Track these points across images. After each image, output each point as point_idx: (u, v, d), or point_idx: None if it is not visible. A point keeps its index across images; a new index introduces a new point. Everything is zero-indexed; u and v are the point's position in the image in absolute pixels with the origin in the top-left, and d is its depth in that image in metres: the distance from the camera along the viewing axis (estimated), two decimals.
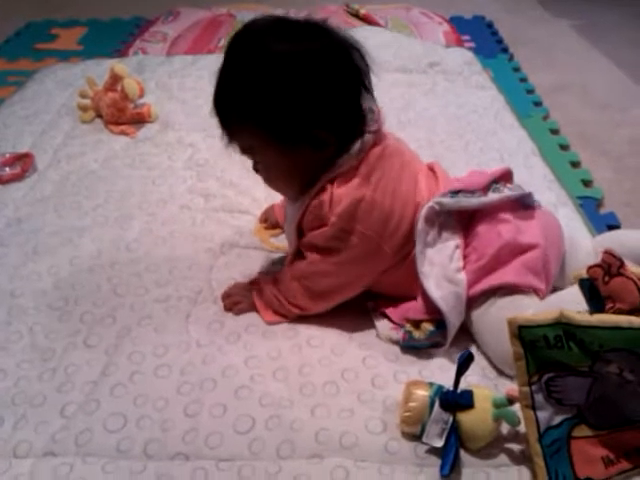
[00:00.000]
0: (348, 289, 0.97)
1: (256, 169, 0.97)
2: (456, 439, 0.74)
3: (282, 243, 1.15)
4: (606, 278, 0.72)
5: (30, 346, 0.95)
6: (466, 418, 0.75)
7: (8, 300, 1.04)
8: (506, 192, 0.97)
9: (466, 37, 2.29)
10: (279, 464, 0.76)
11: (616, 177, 1.49)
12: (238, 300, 1.02)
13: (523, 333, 0.69)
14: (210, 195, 1.31)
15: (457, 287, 0.91)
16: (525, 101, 1.81)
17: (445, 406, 0.75)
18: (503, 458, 0.77)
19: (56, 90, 1.81)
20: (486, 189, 0.98)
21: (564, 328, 0.68)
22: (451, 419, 0.74)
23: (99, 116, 1.65)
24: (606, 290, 0.72)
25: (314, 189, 0.92)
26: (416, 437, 0.78)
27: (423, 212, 0.93)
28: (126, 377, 0.89)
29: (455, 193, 0.96)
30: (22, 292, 1.06)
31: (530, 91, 1.88)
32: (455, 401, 0.75)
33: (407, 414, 0.77)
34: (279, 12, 2.48)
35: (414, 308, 0.94)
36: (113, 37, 2.36)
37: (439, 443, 0.74)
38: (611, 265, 0.72)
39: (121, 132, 1.58)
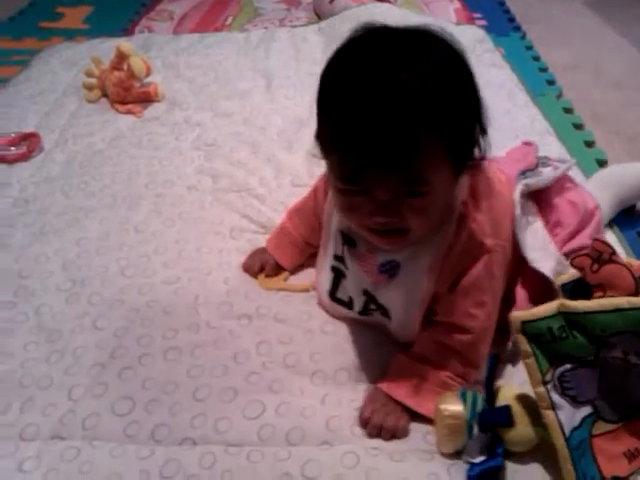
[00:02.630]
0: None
1: (395, 212, 0.71)
2: (502, 451, 0.70)
3: (300, 281, 1.02)
4: (595, 266, 0.70)
5: (37, 327, 0.94)
6: (506, 435, 0.71)
7: (15, 281, 1.03)
8: (556, 164, 0.97)
9: (477, 15, 2.24)
10: (288, 450, 0.75)
11: (630, 157, 1.45)
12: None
13: (527, 328, 0.67)
14: (218, 175, 1.29)
15: (562, 265, 0.86)
16: (538, 79, 1.77)
17: (484, 428, 0.71)
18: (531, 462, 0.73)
19: (61, 69, 1.78)
20: (538, 164, 0.97)
21: (566, 317, 0.66)
22: (492, 434, 0.71)
23: (105, 95, 1.62)
24: (595, 279, 0.69)
25: (452, 220, 0.77)
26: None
27: (517, 197, 0.87)
28: (135, 360, 0.88)
29: (523, 174, 0.93)
30: (29, 273, 1.05)
31: (543, 69, 1.85)
32: (494, 422, 0.71)
33: (444, 440, 0.73)
34: None
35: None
36: (119, 16, 2.32)
37: (480, 459, 0.71)
38: (602, 252, 0.70)
39: (127, 111, 1.56)
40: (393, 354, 0.85)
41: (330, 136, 0.69)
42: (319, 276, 0.94)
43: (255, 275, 1.03)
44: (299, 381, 0.83)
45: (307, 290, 0.99)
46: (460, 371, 0.79)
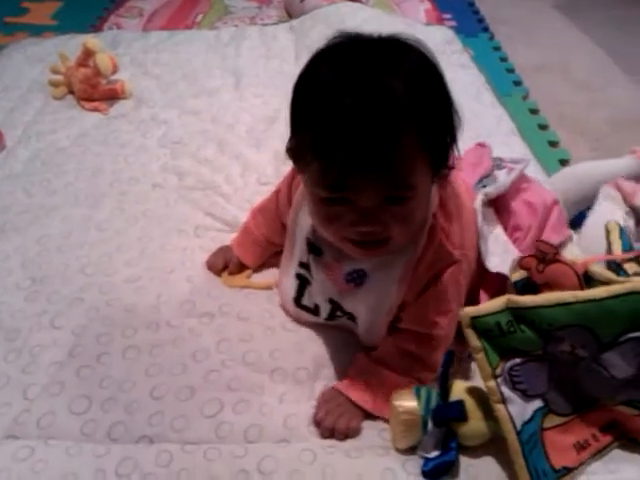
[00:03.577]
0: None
1: (378, 222, 0.70)
2: (456, 446, 0.71)
3: (264, 279, 1.01)
4: (540, 266, 0.72)
5: None
6: (460, 430, 0.72)
7: None
8: (511, 165, 0.99)
9: (447, 15, 2.26)
10: (245, 447, 0.75)
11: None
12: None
13: (476, 323, 0.68)
14: (184, 173, 1.28)
15: None
16: (505, 80, 1.80)
17: (438, 423, 0.72)
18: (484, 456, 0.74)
19: (27, 65, 1.75)
20: (493, 167, 0.99)
21: (514, 312, 0.68)
22: (446, 429, 0.72)
23: (71, 92, 1.60)
24: (542, 278, 0.71)
25: (424, 230, 0.77)
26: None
27: (478, 207, 0.88)
28: (93, 359, 0.87)
29: (480, 181, 0.94)
30: None
31: (510, 70, 1.87)
32: (448, 417, 0.72)
33: (400, 436, 0.73)
34: None
35: None
36: (88, 12, 2.29)
37: (434, 454, 0.71)
38: (546, 252, 0.71)
39: (94, 109, 1.54)
40: (355, 355, 0.86)
41: (312, 143, 0.67)
42: (283, 281, 0.93)
43: (218, 273, 1.02)
44: (258, 379, 0.83)
45: (270, 287, 0.98)
46: (419, 376, 0.80)
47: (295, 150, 0.74)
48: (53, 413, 0.79)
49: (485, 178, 0.96)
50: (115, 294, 0.98)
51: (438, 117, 0.68)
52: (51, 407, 0.80)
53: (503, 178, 0.96)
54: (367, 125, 0.63)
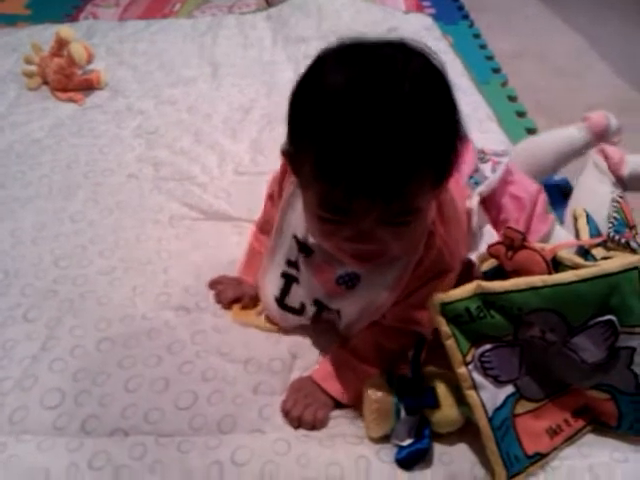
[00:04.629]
0: None
1: (370, 239, 0.66)
2: (429, 433, 0.71)
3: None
4: (509, 253, 0.72)
5: None
6: (433, 417, 0.72)
7: None
8: (495, 158, 0.98)
9: (427, 3, 2.25)
10: (220, 438, 0.74)
11: None
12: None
13: (446, 310, 0.68)
14: (159, 164, 1.27)
15: None
16: (484, 68, 1.79)
17: (411, 411, 0.71)
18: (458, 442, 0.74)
19: (0, 56, 1.73)
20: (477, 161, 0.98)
21: (483, 298, 0.67)
22: (419, 417, 0.72)
23: (46, 83, 1.58)
24: (511, 265, 0.71)
25: (422, 238, 0.74)
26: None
27: (475, 207, 0.88)
28: (67, 352, 0.86)
29: (470, 178, 0.93)
30: None
31: (489, 58, 1.87)
32: (420, 404, 0.72)
33: (373, 424, 0.73)
34: None
35: None
36: (63, 1, 2.26)
37: (408, 442, 0.71)
38: (514, 239, 0.71)
39: (68, 99, 1.53)
40: (331, 346, 0.85)
41: (315, 162, 0.62)
42: (264, 280, 0.88)
43: (227, 305, 0.93)
44: (232, 369, 0.83)
45: (277, 330, 0.89)
46: (391, 366, 0.79)
47: (293, 158, 0.70)
48: (26, 408, 0.78)
49: (474, 174, 0.95)
50: (89, 286, 0.97)
51: (446, 134, 0.64)
52: (24, 402, 0.79)
53: (492, 174, 0.95)
54: (378, 152, 0.59)
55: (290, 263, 0.84)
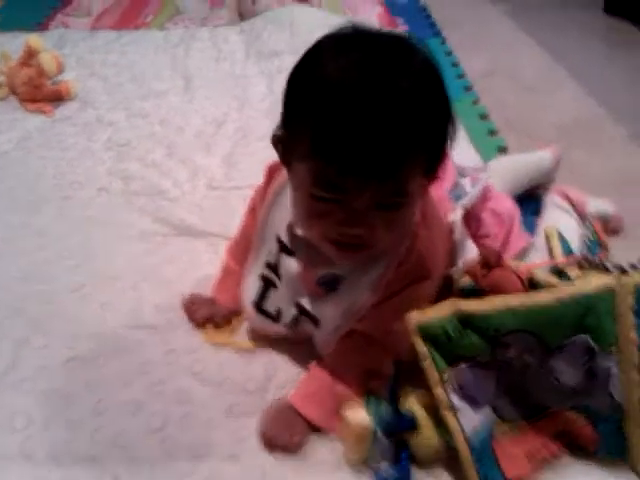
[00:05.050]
0: None
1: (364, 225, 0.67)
2: (407, 456, 0.70)
3: (245, 338, 0.90)
4: (485, 272, 0.72)
5: None
6: (412, 440, 0.71)
7: None
8: (474, 174, 0.98)
9: (400, 20, 2.27)
10: (193, 464, 0.72)
11: None
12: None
13: (422, 330, 0.67)
14: (130, 177, 1.25)
15: None
16: (456, 86, 1.80)
17: (389, 434, 0.70)
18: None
19: None
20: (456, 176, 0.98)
21: (460, 317, 0.67)
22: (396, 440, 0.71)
23: (14, 93, 1.55)
24: (486, 284, 0.71)
25: (405, 238, 0.74)
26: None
27: (458, 222, 0.87)
28: (33, 371, 0.83)
29: (451, 191, 0.93)
30: None
31: (461, 76, 1.88)
32: (399, 427, 0.71)
33: (351, 448, 0.71)
34: None
35: None
36: (34, 10, 2.22)
37: (386, 465, 0.70)
38: (489, 258, 0.72)
39: (37, 110, 1.50)
40: (307, 365, 0.83)
41: (311, 139, 0.63)
42: (245, 284, 0.87)
43: (200, 324, 0.91)
44: (205, 390, 0.81)
45: (252, 350, 0.88)
46: (368, 386, 0.77)
47: (286, 142, 0.70)
48: None
49: (454, 189, 0.95)
50: (57, 303, 0.95)
51: (440, 120, 0.66)
52: None
53: (471, 188, 0.95)
54: (375, 130, 0.60)
55: (270, 266, 0.83)
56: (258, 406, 0.79)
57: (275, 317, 0.84)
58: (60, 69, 1.55)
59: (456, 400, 0.68)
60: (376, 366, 0.78)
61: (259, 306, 0.85)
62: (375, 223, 0.66)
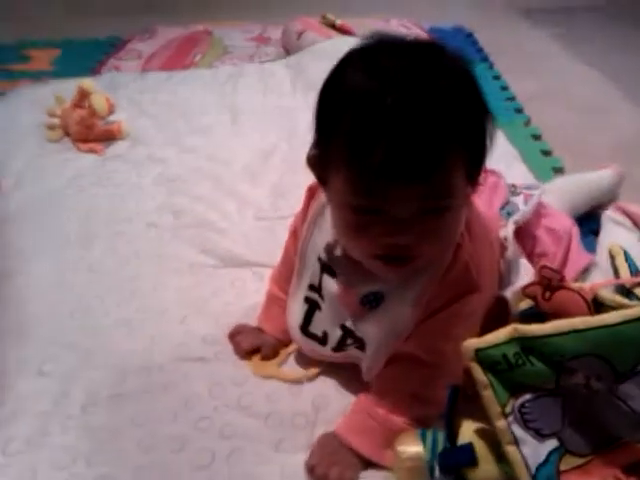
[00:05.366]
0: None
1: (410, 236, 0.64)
2: None
3: (292, 369, 0.88)
4: (547, 294, 0.67)
5: None
6: (471, 475, 0.66)
7: None
8: (526, 191, 0.97)
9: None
10: None
11: None
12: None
13: (481, 356, 0.63)
14: (179, 211, 1.25)
15: None
16: (506, 108, 1.77)
17: (446, 470, 0.66)
18: None
19: (24, 110, 1.74)
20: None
21: (521, 343, 0.62)
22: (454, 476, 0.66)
23: (67, 134, 1.59)
24: (549, 307, 0.66)
25: (450, 249, 0.71)
26: None
27: (510, 237, 0.85)
28: (79, 408, 0.82)
29: (502, 208, 0.92)
30: None
31: (510, 99, 1.84)
32: (456, 462, 0.66)
33: None
34: (257, 28, 2.46)
35: None
36: (88, 57, 2.30)
37: None
38: (551, 279, 0.66)
39: (89, 150, 1.53)
40: (357, 396, 0.80)
41: (345, 145, 0.63)
42: (290, 307, 0.85)
43: (246, 356, 0.89)
44: (253, 425, 0.78)
45: (300, 381, 0.85)
46: (420, 416, 0.74)
47: (320, 157, 0.69)
48: (33, 470, 0.74)
49: (506, 206, 0.93)
50: (105, 338, 0.94)
51: (478, 118, 0.65)
52: (32, 463, 0.75)
53: (524, 205, 0.93)
54: (409, 127, 0.59)
55: (313, 288, 0.81)
56: (307, 441, 0.76)
57: (322, 340, 0.81)
58: (111, 109, 1.58)
59: (519, 432, 0.63)
60: (428, 392, 0.74)
61: (305, 329, 0.82)
62: (421, 231, 0.64)
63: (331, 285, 0.78)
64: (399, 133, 0.59)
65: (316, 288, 0.81)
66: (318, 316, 0.82)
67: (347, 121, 0.62)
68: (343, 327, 0.79)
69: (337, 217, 0.70)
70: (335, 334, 0.80)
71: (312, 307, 0.82)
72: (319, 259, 0.79)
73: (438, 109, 0.60)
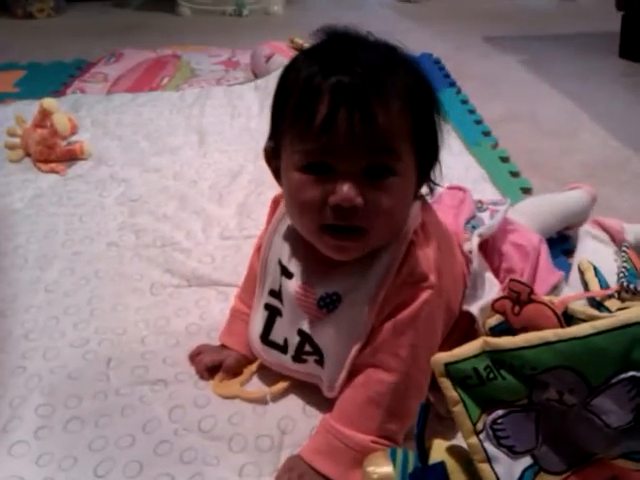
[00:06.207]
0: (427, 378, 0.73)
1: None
2: None
3: (257, 387, 0.84)
4: (516, 308, 0.65)
5: None
6: None
7: None
8: (492, 207, 0.97)
9: None
10: None
11: None
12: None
13: (451, 371, 0.60)
14: (141, 231, 1.22)
15: None
16: (474, 131, 1.78)
17: None
18: None
19: None
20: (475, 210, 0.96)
21: (492, 356, 0.60)
22: None
23: (28, 155, 1.55)
24: (519, 321, 0.64)
25: (401, 243, 0.71)
26: None
27: (475, 250, 0.84)
28: (30, 433, 0.77)
29: (467, 222, 0.90)
30: None
31: (478, 122, 1.85)
32: None
33: None
34: (225, 53, 2.46)
35: None
36: (52, 79, 2.26)
37: None
38: (520, 293, 0.65)
39: (50, 170, 1.49)
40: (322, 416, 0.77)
41: (292, 115, 0.66)
42: (252, 318, 0.83)
43: (206, 375, 0.85)
44: (215, 449, 0.74)
45: (264, 399, 0.81)
46: (387, 431, 0.71)
47: (275, 148, 0.73)
48: None
49: (472, 219, 0.92)
50: (60, 360, 0.90)
51: (428, 108, 0.69)
52: None
53: (490, 220, 0.92)
54: (354, 84, 0.63)
55: (273, 293, 0.80)
56: (273, 464, 0.72)
57: (283, 348, 0.79)
58: (74, 130, 1.55)
59: (492, 450, 0.60)
60: (394, 403, 0.71)
61: (266, 338, 0.80)
62: (368, 200, 0.65)
63: (290, 286, 0.77)
64: (342, 89, 0.63)
65: (276, 293, 0.79)
66: (279, 323, 0.80)
67: (293, 98, 0.67)
68: (300, 332, 0.77)
69: (287, 186, 0.71)
70: (294, 340, 0.78)
71: (272, 314, 0.80)
72: (279, 262, 0.79)
73: (377, 71, 0.64)
